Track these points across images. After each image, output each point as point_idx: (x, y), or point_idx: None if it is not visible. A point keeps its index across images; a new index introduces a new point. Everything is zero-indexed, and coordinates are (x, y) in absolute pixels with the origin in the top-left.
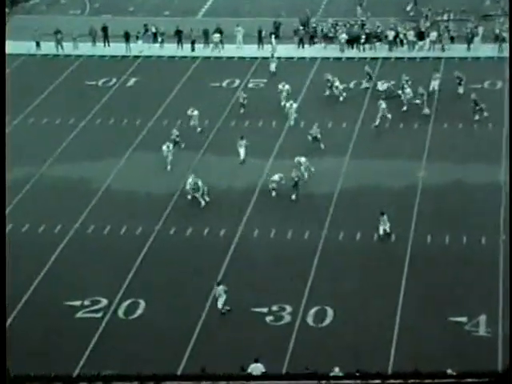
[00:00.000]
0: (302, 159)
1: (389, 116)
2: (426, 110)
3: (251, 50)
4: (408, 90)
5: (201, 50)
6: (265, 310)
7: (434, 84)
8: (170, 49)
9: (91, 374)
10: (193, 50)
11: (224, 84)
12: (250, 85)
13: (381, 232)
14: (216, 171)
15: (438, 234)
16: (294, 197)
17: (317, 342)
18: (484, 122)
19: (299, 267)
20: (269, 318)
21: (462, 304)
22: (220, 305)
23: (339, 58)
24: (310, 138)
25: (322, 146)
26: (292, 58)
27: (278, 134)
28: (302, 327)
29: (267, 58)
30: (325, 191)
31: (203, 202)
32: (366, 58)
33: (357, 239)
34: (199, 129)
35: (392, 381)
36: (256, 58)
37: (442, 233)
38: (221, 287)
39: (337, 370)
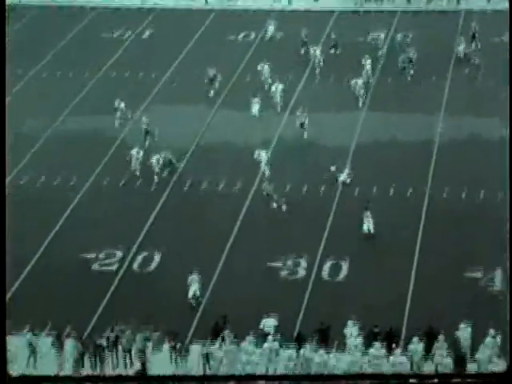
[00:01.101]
0: (263, 153)
1: None
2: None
3: (267, 2)
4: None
5: (216, 2)
6: (279, 264)
7: (459, 50)
8: (186, 0)
9: (92, 375)
10: (206, 2)
11: (240, 37)
12: (268, 36)
13: (365, 230)
14: (231, 126)
15: (455, 188)
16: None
17: (331, 296)
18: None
19: (314, 222)
20: (283, 273)
21: (477, 259)
22: (190, 295)
23: (357, 11)
24: (297, 123)
25: (305, 135)
26: (308, 10)
27: (294, 86)
28: (316, 281)
29: (283, 11)
30: (341, 145)
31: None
32: (383, 12)
33: (373, 193)
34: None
35: (392, 381)
36: (272, 10)
37: (459, 188)
38: (194, 276)
39: (350, 323)
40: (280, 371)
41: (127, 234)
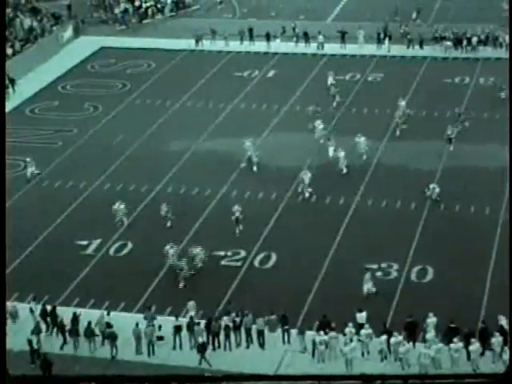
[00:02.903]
0: (197, 250)
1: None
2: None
3: (370, 49)
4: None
5: (327, 49)
6: (375, 266)
7: None
8: (302, 47)
9: (93, 375)
10: (318, 48)
11: (347, 77)
12: (369, 78)
13: (365, 291)
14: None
15: None
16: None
17: (418, 294)
18: None
19: (406, 232)
20: (378, 274)
21: None
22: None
23: (446, 58)
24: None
25: (344, 170)
26: (404, 56)
27: (384, 121)
28: (406, 282)
29: (385, 57)
30: (428, 169)
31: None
32: (468, 58)
33: (456, 210)
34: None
35: (392, 381)
36: (374, 55)
37: None
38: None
39: (431, 314)
40: (372, 355)
41: (249, 237)
